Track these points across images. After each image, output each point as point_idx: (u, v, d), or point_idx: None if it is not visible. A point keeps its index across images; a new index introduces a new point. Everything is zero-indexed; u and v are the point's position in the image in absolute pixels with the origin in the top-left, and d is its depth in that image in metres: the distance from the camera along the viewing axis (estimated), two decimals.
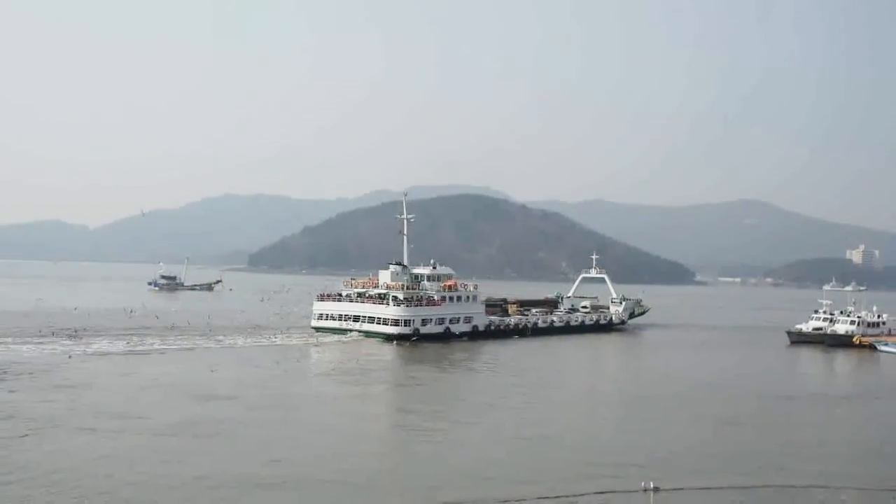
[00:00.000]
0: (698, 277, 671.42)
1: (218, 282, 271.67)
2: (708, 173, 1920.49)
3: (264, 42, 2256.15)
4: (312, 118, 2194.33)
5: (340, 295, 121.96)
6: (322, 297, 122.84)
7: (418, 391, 75.18)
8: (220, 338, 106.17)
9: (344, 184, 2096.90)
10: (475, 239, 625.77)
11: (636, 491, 41.10)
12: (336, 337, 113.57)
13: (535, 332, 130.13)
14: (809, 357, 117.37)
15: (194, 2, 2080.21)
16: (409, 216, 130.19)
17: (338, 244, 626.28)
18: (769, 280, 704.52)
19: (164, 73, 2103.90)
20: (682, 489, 42.78)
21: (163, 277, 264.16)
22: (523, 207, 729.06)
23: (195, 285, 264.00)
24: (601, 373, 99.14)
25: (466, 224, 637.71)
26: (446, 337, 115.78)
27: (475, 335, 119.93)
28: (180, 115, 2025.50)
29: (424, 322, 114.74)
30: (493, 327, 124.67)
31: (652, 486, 41.29)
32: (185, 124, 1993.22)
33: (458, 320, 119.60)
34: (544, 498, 40.71)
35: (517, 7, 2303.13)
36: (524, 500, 40.41)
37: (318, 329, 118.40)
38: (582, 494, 41.27)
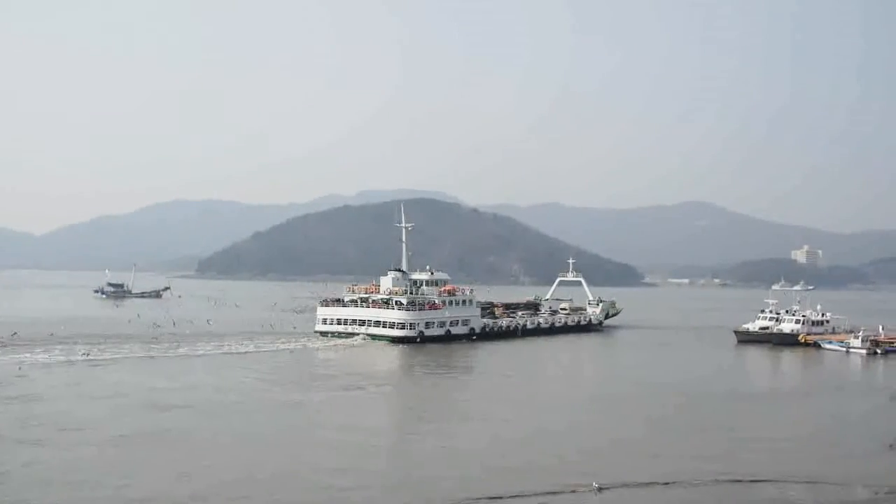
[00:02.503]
0: (647, 279, 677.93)
1: (166, 289, 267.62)
2: (658, 176, 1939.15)
3: (211, 49, 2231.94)
4: (263, 123, 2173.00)
5: (344, 300, 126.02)
6: (326, 303, 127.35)
7: (402, 395, 75.17)
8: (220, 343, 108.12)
9: (295, 189, 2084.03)
10: (427, 243, 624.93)
11: (586, 490, 41.43)
12: (340, 340, 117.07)
13: (525, 333, 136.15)
14: (757, 356, 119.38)
15: (132, 8, 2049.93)
16: (408, 224, 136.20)
17: (289, 249, 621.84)
18: (717, 281, 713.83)
19: (118, 84, 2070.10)
20: (631, 486, 43.19)
21: (110, 285, 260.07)
22: (475, 211, 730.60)
23: (143, 293, 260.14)
24: (575, 374, 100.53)
25: (418, 228, 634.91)
26: (447, 339, 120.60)
27: (473, 337, 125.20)
28: (131, 123, 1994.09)
29: (428, 325, 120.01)
30: (488, 329, 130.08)
31: (600, 485, 41.79)
32: (136, 131, 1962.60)
33: (457, 323, 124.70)
34: (495, 498, 40.76)
35: (475, 13, 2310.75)
36: (476, 499, 40.48)
37: (322, 333, 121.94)
38: (533, 494, 41.32)
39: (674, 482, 44.36)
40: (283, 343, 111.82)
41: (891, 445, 55.02)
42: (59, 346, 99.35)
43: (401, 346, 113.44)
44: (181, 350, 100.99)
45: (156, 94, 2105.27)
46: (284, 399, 68.99)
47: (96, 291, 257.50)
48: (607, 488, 42.11)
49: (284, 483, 42.98)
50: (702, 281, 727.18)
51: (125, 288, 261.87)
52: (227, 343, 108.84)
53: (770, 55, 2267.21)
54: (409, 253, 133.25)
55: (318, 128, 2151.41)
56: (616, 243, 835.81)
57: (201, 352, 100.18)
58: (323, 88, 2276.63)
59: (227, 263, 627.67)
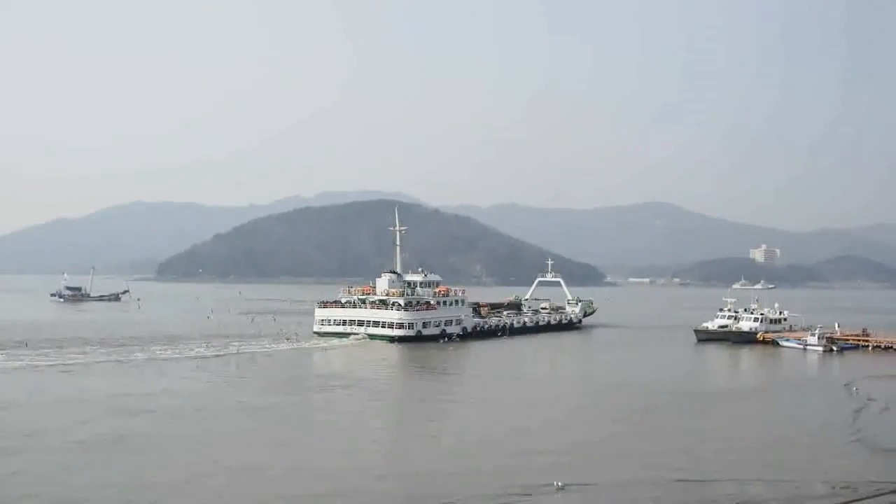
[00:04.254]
0: (608, 278, 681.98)
1: (125, 292, 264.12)
2: (617, 176, 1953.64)
3: (166, 50, 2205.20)
4: (221, 125, 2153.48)
5: (341, 302, 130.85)
6: (324, 304, 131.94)
7: (398, 392, 75.10)
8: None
9: (255, 190, 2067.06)
10: (389, 243, 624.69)
11: (548, 490, 41.81)
12: (338, 340, 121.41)
13: (512, 331, 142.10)
14: (716, 354, 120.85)
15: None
16: (402, 228, 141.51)
17: (250, 251, 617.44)
18: (677, 280, 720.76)
19: (65, 80, 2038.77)
20: (593, 485, 43.60)
21: (67, 289, 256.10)
22: (436, 212, 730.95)
23: (102, 296, 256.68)
24: (551, 374, 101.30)
25: (380, 229, 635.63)
26: (442, 338, 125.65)
27: (465, 336, 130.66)
28: (84, 124, 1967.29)
29: (425, 325, 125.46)
30: (479, 328, 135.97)
31: (563, 484, 42.22)
32: (90, 132, 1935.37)
33: (451, 323, 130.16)
34: (457, 499, 40.95)
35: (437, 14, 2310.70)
36: (435, 500, 40.69)
37: (321, 334, 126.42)
38: (495, 495, 41.46)
39: (635, 481, 44.81)
40: (274, 345, 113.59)
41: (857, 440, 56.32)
42: (22, 352, 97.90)
43: (400, 344, 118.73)
44: (150, 353, 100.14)
45: (109, 92, 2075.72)
46: (254, 402, 68.72)
47: (53, 295, 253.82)
48: (569, 487, 42.51)
49: (233, 487, 42.89)
50: (661, 280, 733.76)
51: (83, 291, 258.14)
52: (194, 346, 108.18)
53: (733, 57, 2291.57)
54: (404, 254, 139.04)
55: (277, 128, 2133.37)
56: (576, 244, 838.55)
57: (170, 355, 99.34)
58: (279, 87, 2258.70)
59: (187, 266, 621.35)
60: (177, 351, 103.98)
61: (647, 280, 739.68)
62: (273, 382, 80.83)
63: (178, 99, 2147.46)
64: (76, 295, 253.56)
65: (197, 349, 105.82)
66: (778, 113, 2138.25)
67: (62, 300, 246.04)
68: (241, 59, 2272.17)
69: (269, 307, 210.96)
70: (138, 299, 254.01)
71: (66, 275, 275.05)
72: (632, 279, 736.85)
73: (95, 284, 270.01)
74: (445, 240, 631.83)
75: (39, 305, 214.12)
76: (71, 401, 66.79)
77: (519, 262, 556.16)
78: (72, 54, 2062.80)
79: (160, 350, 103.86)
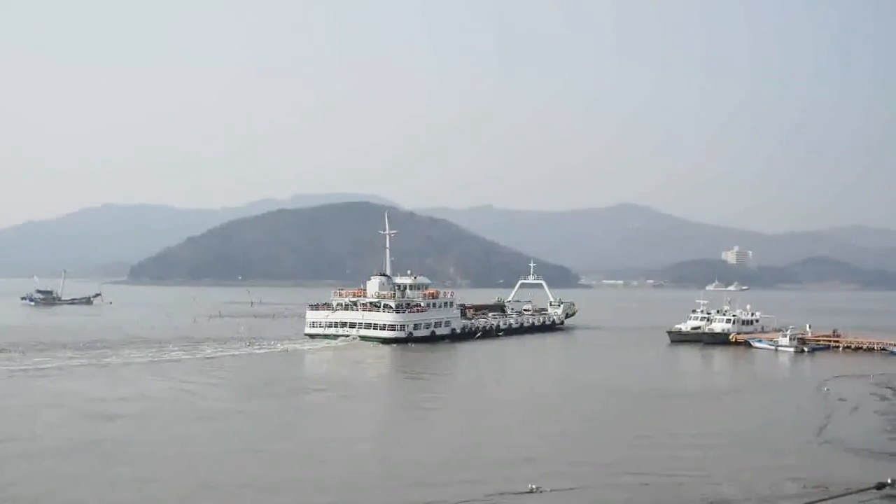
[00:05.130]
0: (583, 280, 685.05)
1: (97, 295, 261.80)
2: (591, 178, 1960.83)
3: (135, 53, 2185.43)
4: (194, 127, 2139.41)
5: (332, 305, 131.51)
6: (315, 307, 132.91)
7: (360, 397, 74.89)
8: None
9: (228, 193, 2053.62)
10: (364, 246, 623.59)
11: (523, 493, 41.93)
12: (328, 342, 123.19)
13: (499, 333, 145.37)
14: (689, 355, 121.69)
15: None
16: (392, 231, 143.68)
17: (223, 254, 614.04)
18: (650, 282, 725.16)
19: (35, 82, 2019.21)
20: (568, 489, 43.74)
21: (38, 292, 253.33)
22: (411, 214, 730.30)
23: (74, 299, 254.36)
24: (530, 376, 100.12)
25: (354, 231, 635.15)
26: (432, 339, 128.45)
27: (454, 337, 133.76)
28: (55, 126, 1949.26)
29: (416, 327, 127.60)
30: (467, 330, 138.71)
31: (536, 486, 42.35)
32: (62, 135, 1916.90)
33: (440, 324, 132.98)
34: (433, 503, 41.03)
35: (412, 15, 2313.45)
36: None
37: (311, 336, 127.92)
38: (469, 500, 41.48)
39: (609, 482, 45.07)
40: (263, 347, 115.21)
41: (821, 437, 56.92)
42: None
43: (392, 345, 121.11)
44: (127, 357, 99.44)
45: (80, 95, 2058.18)
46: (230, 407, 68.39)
47: (24, 298, 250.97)
48: (543, 490, 42.61)
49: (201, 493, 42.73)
50: (635, 282, 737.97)
51: (54, 295, 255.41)
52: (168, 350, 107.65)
53: (705, 59, 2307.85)
54: (392, 258, 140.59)
55: (251, 131, 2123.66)
56: (550, 245, 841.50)
57: (147, 359, 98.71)
58: (254, 89, 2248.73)
59: (160, 269, 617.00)
60: (160, 353, 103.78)
61: (620, 282, 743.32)
62: (254, 385, 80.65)
63: (150, 102, 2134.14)
64: (47, 298, 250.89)
65: (174, 351, 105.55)
66: (746, 114, 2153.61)
67: (33, 304, 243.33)
68: (214, 62, 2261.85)
69: (244, 310, 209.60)
70: (110, 302, 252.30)
71: (36, 278, 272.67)
72: (606, 281, 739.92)
73: (67, 288, 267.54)
74: (420, 242, 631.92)
75: (10, 309, 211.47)
76: (42, 406, 66.09)
77: (493, 264, 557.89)
78: (42, 57, 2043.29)
79: (134, 353, 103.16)
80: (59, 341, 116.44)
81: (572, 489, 43.74)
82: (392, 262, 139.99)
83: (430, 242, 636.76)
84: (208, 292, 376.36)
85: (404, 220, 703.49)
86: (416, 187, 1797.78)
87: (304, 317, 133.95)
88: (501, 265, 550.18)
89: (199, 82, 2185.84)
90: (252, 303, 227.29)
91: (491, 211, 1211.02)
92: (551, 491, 42.60)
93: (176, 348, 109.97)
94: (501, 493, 42.22)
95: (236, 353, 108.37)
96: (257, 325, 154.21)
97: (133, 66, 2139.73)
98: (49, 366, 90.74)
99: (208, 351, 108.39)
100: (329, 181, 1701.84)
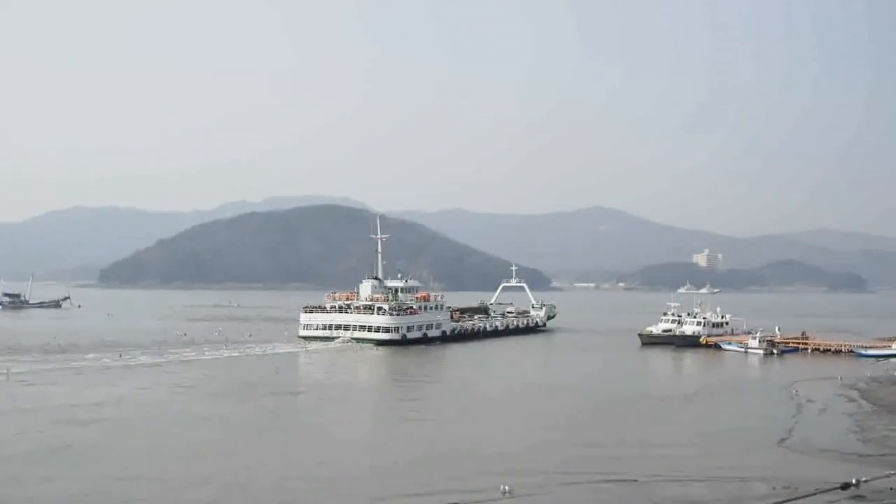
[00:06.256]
0: (554, 283, 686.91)
1: (66, 298, 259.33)
2: (562, 182, 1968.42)
3: (104, 55, 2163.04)
4: (165, 129, 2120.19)
5: (325, 307, 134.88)
6: (309, 310, 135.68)
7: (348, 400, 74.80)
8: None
9: (199, 196, 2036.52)
10: (336, 249, 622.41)
11: (495, 496, 42.10)
12: (323, 344, 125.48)
13: (486, 335, 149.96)
14: (660, 358, 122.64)
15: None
16: (383, 236, 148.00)
17: (194, 257, 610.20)
18: (622, 285, 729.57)
19: (6, 87, 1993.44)
20: (538, 490, 43.99)
21: (5, 295, 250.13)
22: (383, 217, 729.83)
23: (42, 302, 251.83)
24: (509, 379, 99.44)
25: (326, 235, 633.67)
26: (425, 341, 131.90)
27: (445, 339, 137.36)
28: (23, 127, 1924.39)
29: (409, 329, 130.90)
30: (456, 332, 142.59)
31: (509, 488, 42.56)
32: (29, 136, 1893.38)
33: (432, 327, 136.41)
34: None
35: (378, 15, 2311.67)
36: None
37: (305, 338, 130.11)
38: (443, 502, 41.62)
39: (581, 483, 45.40)
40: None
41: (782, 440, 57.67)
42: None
43: (386, 347, 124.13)
44: (98, 361, 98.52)
45: (49, 96, 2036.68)
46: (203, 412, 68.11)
47: None
48: (516, 491, 42.81)
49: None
50: (606, 285, 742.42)
51: (22, 298, 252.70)
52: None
53: (650, 63, 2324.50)
54: (384, 262, 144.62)
55: (221, 133, 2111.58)
56: (521, 248, 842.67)
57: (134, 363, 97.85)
58: (221, 90, 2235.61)
59: (130, 272, 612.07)
60: (145, 357, 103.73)
61: (592, 285, 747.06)
62: (245, 387, 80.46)
63: (119, 104, 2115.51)
64: (15, 302, 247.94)
65: (142, 356, 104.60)
66: (715, 117, 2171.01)
67: (0, 307, 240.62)
68: (184, 63, 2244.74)
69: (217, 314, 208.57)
70: (79, 306, 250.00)
71: (3, 281, 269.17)
72: (577, 284, 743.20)
73: (35, 291, 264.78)
74: (393, 245, 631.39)
75: None
76: (13, 411, 65.46)
77: (465, 266, 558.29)
78: (7, 57, 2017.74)
79: (106, 357, 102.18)
80: (28, 345, 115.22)
81: (543, 489, 44.02)
82: (384, 265, 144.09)
83: (402, 245, 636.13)
84: (179, 296, 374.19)
85: (376, 222, 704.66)
86: (387, 190, 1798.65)
87: (282, 320, 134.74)
88: (473, 268, 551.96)
89: (169, 83, 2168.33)
90: (233, 305, 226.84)
91: (462, 214, 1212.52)
92: (523, 494, 42.83)
93: (147, 352, 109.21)
94: (474, 497, 42.35)
95: (232, 354, 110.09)
96: (244, 329, 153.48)
97: (100, 67, 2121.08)
98: (19, 370, 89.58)
99: (192, 354, 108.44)
100: (301, 184, 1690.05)
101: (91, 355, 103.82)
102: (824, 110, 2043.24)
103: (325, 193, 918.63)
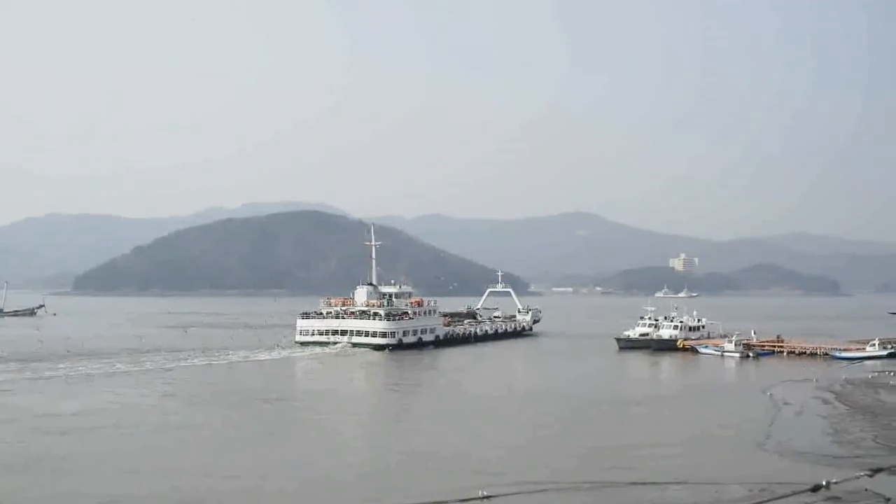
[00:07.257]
0: (532, 288, 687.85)
1: (40, 306, 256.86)
2: (539, 187, 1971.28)
3: (78, 59, 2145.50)
4: (139, 135, 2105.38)
5: (322, 313, 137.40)
6: (306, 315, 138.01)
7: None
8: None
9: (176, 202, 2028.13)
10: (314, 255, 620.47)
11: (474, 498, 42.24)
12: (321, 348, 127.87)
13: (476, 339, 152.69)
14: (637, 361, 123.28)
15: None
16: (377, 242, 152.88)
17: (172, 263, 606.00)
18: (599, 289, 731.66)
19: None
20: (517, 493, 44.14)
21: None
22: (359, 223, 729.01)
23: (16, 311, 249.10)
24: (493, 384, 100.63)
25: (304, 240, 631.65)
26: (419, 345, 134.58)
27: (438, 343, 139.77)
28: None
29: (405, 333, 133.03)
30: (449, 336, 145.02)
31: (487, 493, 42.67)
32: (2, 142, 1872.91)
33: (426, 331, 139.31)
34: None
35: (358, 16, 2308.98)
36: None
37: (302, 343, 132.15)
38: None
39: (559, 487, 45.63)
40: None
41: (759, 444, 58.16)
42: None
43: (382, 351, 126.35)
44: (75, 370, 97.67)
45: (22, 100, 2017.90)
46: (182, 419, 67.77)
47: None
48: (494, 496, 42.96)
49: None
50: (584, 289, 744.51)
51: None
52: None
53: (641, 70, 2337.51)
54: (378, 268, 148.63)
55: (197, 138, 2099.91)
56: (499, 253, 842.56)
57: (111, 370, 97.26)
58: (187, 88, 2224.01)
59: (106, 279, 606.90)
60: (133, 365, 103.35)
61: (570, 289, 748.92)
62: (243, 391, 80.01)
63: (93, 108, 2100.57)
64: None
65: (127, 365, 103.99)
66: (693, 124, 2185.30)
67: None
68: (163, 66, 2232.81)
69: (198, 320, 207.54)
70: (54, 314, 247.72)
71: None
72: (555, 289, 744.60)
73: (9, 299, 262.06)
74: (369, 250, 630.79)
75: None
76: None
77: (444, 272, 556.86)
78: None
79: (82, 366, 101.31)
80: (2, 354, 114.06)
81: (522, 494, 44.16)
82: (378, 272, 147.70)
83: (380, 250, 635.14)
84: (157, 303, 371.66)
85: (353, 228, 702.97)
86: (364, 196, 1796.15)
87: (272, 326, 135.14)
88: (451, 273, 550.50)
89: (145, 84, 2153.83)
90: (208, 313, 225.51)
91: (440, 219, 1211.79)
92: (502, 496, 42.96)
93: (126, 360, 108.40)
94: (451, 501, 42.46)
95: (230, 361, 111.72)
96: (237, 336, 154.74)
97: (72, 73, 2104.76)
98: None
99: (181, 362, 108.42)
100: (277, 186, 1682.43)
101: (66, 363, 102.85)
102: (807, 120, 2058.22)
103: (303, 199, 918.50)
